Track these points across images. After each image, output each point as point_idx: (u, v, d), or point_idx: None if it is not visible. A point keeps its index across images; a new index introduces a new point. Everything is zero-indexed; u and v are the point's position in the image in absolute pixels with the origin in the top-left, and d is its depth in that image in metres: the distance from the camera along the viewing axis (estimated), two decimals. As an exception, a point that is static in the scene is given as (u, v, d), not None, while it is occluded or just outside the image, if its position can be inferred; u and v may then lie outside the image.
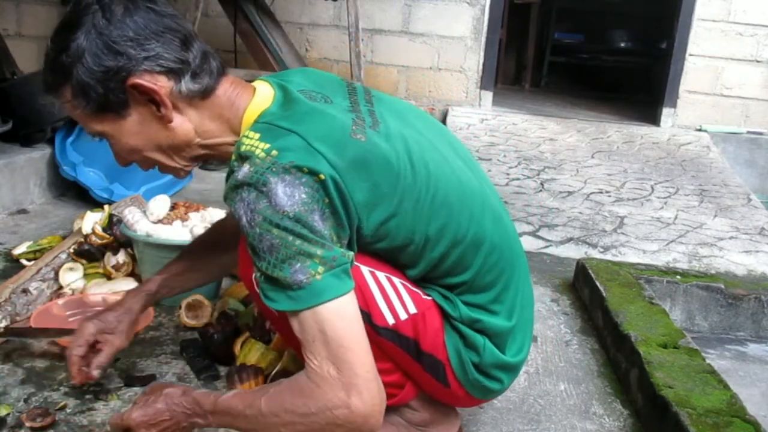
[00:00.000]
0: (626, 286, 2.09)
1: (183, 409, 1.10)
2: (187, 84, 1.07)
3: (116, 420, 1.15)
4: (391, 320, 1.12)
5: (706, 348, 2.12)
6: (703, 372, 1.54)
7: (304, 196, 0.96)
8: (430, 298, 1.16)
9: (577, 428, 1.47)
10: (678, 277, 2.30)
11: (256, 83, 1.14)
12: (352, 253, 1.02)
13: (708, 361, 1.61)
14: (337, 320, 0.98)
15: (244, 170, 0.98)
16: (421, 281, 1.17)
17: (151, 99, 1.06)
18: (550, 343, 1.88)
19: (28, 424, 1.27)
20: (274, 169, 0.96)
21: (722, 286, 2.26)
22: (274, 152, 0.98)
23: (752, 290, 2.27)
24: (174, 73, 1.06)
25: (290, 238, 0.96)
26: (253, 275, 1.05)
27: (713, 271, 2.59)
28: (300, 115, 1.04)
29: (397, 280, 1.14)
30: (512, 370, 1.25)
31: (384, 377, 1.05)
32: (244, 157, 1.00)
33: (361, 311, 1.03)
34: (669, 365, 1.56)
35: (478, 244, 1.15)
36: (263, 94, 1.11)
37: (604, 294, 2.00)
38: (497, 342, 1.20)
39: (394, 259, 1.13)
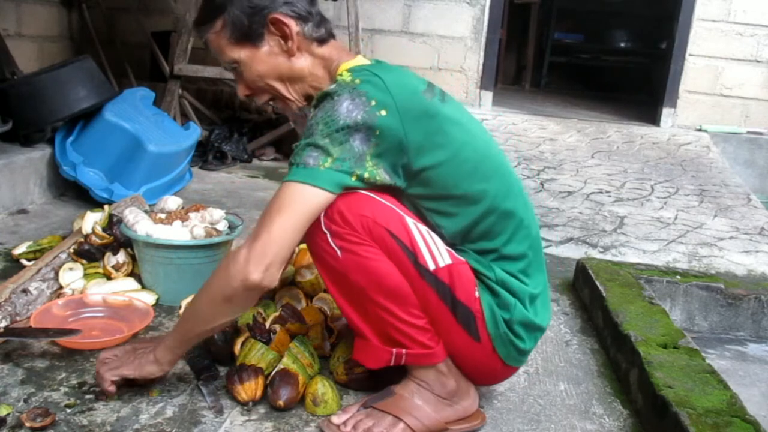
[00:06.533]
0: (626, 286, 2.09)
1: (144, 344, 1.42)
2: (310, 29, 1.35)
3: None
4: (431, 265, 1.27)
5: (706, 348, 2.12)
6: (703, 372, 1.54)
7: (359, 118, 1.20)
8: (463, 259, 1.32)
9: (577, 428, 1.47)
10: (678, 277, 2.30)
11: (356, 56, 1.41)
12: (365, 176, 1.22)
13: (708, 361, 1.61)
14: (298, 201, 1.20)
15: (331, 86, 1.25)
16: (456, 247, 1.33)
17: (282, 34, 1.33)
18: (550, 343, 1.88)
19: (28, 424, 1.27)
20: (350, 90, 1.22)
21: (722, 286, 2.26)
22: (357, 81, 1.23)
23: (752, 290, 2.27)
24: (302, 19, 1.34)
25: (325, 136, 1.20)
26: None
27: (713, 271, 2.59)
28: (387, 68, 1.30)
29: (435, 236, 1.30)
30: (536, 330, 1.38)
31: (421, 334, 1.28)
32: (335, 84, 1.26)
33: (408, 252, 1.25)
34: (669, 365, 1.56)
35: (509, 216, 1.34)
36: (361, 59, 1.37)
37: (604, 294, 2.00)
38: (525, 305, 1.35)
39: (437, 214, 1.31)
